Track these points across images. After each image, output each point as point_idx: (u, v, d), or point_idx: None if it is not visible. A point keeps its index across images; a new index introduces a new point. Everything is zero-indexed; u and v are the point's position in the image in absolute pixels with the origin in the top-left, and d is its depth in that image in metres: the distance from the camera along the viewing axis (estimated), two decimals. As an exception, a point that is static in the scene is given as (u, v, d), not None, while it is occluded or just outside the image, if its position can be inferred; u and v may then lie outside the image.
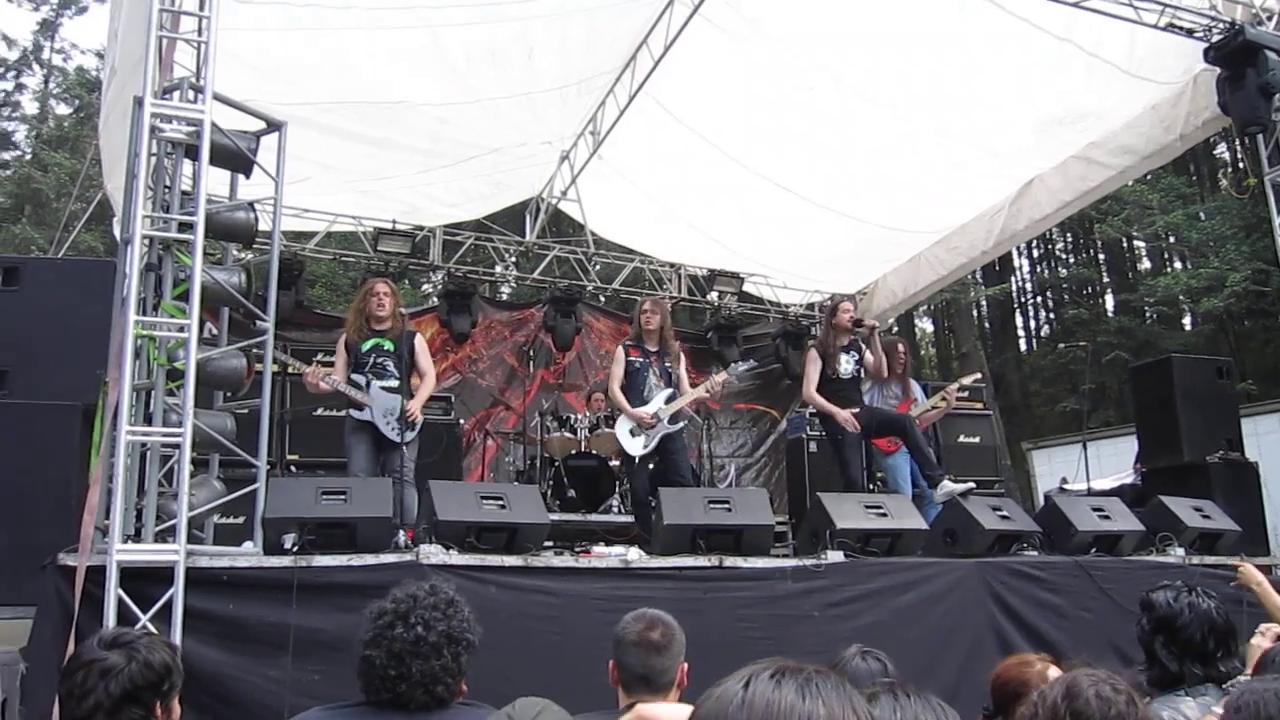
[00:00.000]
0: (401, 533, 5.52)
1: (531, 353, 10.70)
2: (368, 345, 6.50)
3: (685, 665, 2.73)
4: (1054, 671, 2.66)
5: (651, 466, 7.03)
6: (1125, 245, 26.11)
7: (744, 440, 11.91)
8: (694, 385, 7.21)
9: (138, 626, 4.04)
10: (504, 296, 18.10)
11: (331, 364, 6.67)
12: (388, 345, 6.52)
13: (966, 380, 8.63)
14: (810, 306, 12.49)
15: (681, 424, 7.17)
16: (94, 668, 2.30)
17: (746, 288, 11.83)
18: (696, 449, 9.51)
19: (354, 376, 6.43)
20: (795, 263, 11.48)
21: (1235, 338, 22.09)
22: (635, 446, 6.89)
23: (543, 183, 10.60)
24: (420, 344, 6.77)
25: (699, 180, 9.85)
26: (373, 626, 2.55)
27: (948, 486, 6.63)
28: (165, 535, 4.56)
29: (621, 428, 6.97)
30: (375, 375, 6.39)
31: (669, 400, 6.95)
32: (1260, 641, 2.80)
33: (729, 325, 11.77)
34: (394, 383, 6.43)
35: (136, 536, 4.54)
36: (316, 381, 6.38)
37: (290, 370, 6.69)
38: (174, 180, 4.97)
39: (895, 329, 8.77)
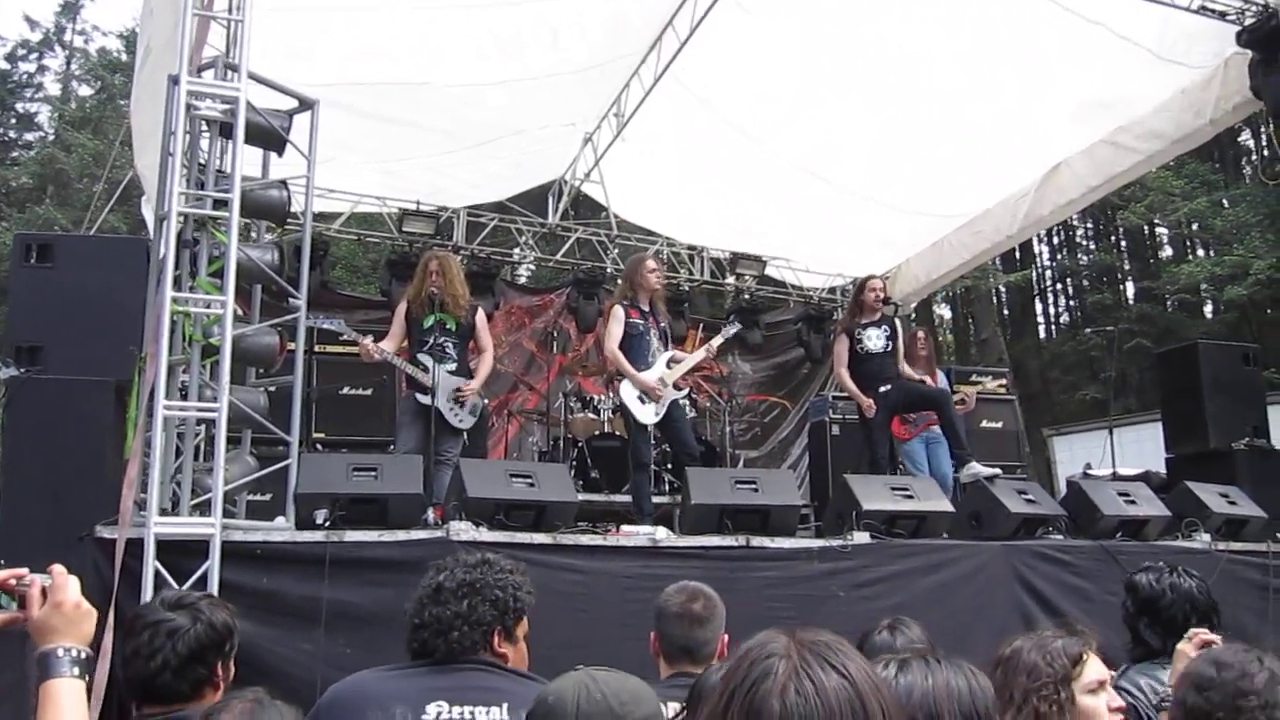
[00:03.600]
0: (431, 510, 5.56)
1: (553, 337, 10.72)
2: (429, 321, 6.48)
3: (726, 637, 2.76)
4: (1096, 662, 2.67)
5: (653, 431, 6.90)
6: (1147, 232, 25.94)
7: (754, 432, 11.91)
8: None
9: (169, 589, 4.10)
10: (522, 279, 18.13)
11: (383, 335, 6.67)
12: (451, 324, 6.51)
13: (991, 384, 8.64)
14: (833, 290, 12.47)
15: (686, 390, 7.08)
16: (160, 628, 2.36)
17: (768, 271, 11.80)
18: (720, 431, 9.52)
19: (420, 357, 6.43)
20: (818, 246, 11.46)
21: (1258, 326, 21.94)
22: (646, 414, 6.66)
23: (566, 164, 10.60)
24: (481, 319, 6.76)
25: (722, 162, 9.83)
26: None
27: (974, 468, 6.64)
28: (200, 509, 4.62)
29: (629, 394, 6.69)
30: (436, 358, 6.34)
31: (669, 364, 6.81)
32: (1186, 648, 2.76)
33: (750, 309, 11.76)
34: (453, 365, 6.47)
35: (173, 510, 4.60)
36: (373, 354, 6.39)
37: (345, 339, 6.67)
38: (209, 159, 5.00)
39: (914, 315, 8.74)
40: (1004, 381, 9.69)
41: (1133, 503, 6.65)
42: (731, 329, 7.71)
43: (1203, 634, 2.86)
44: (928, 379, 8.03)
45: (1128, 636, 3.36)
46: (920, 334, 8.47)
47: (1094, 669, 2.32)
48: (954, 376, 9.39)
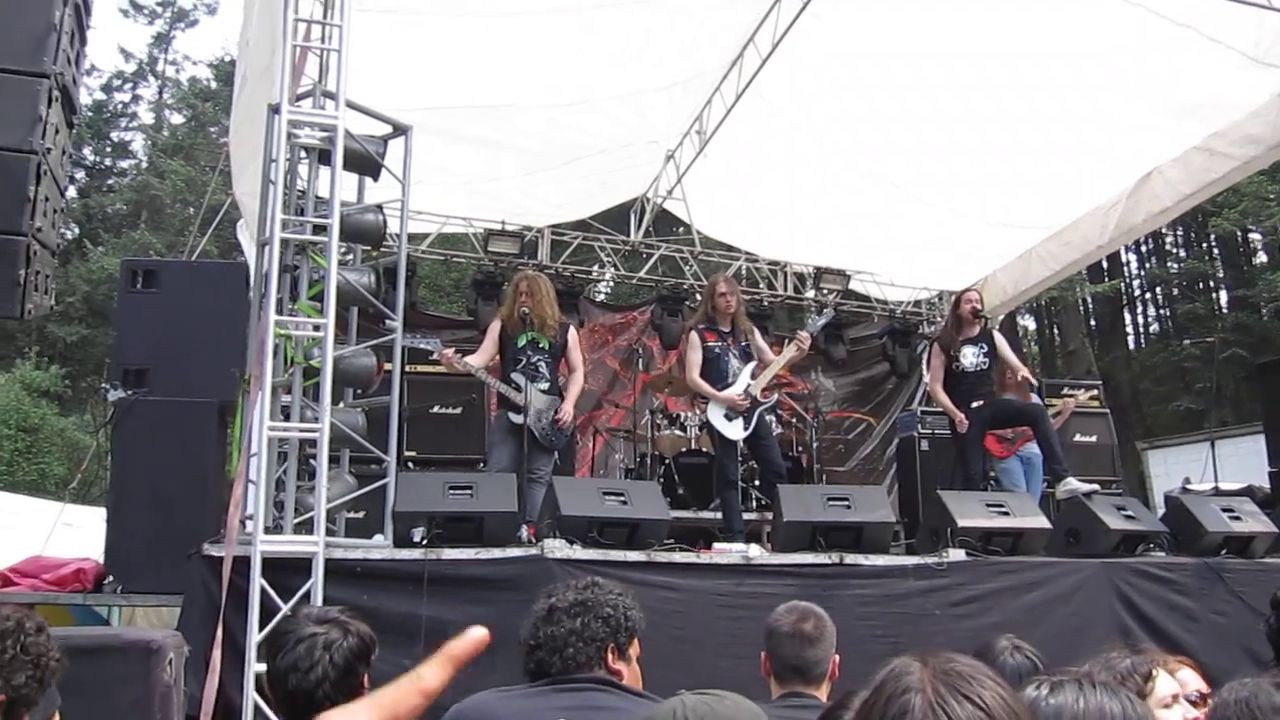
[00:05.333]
0: (525, 528, 5.61)
1: (637, 355, 10.74)
2: (522, 340, 6.55)
3: (838, 657, 2.75)
4: (1189, 674, 2.61)
5: (742, 448, 6.88)
6: (1240, 239, 25.23)
7: (839, 448, 11.77)
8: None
9: (278, 617, 4.20)
10: (602, 297, 18.21)
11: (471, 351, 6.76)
12: (543, 343, 6.58)
13: (1085, 395, 8.45)
14: (918, 304, 12.34)
15: (773, 399, 7.04)
16: (317, 640, 2.45)
17: (852, 285, 11.71)
18: (806, 448, 9.45)
19: (513, 376, 6.50)
20: (902, 259, 11.35)
21: (1359, 334, 21.23)
22: (735, 431, 6.66)
23: (648, 182, 10.65)
24: (572, 338, 6.83)
25: (803, 176, 9.79)
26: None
27: (1071, 484, 6.51)
28: (303, 528, 4.72)
29: (715, 414, 6.70)
30: (529, 376, 6.42)
31: (753, 375, 6.77)
32: None
33: (835, 324, 11.67)
34: (546, 384, 6.53)
35: (276, 529, 4.70)
36: (455, 364, 6.50)
37: (435, 356, 6.78)
38: (309, 185, 5.13)
39: (999, 327, 8.65)
40: (1096, 394, 9.47)
41: (1237, 518, 6.46)
42: (821, 320, 7.54)
43: None
44: (1023, 399, 7.92)
45: (1269, 654, 3.25)
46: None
47: (1165, 685, 2.28)
48: (1044, 390, 9.23)
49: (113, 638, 3.82)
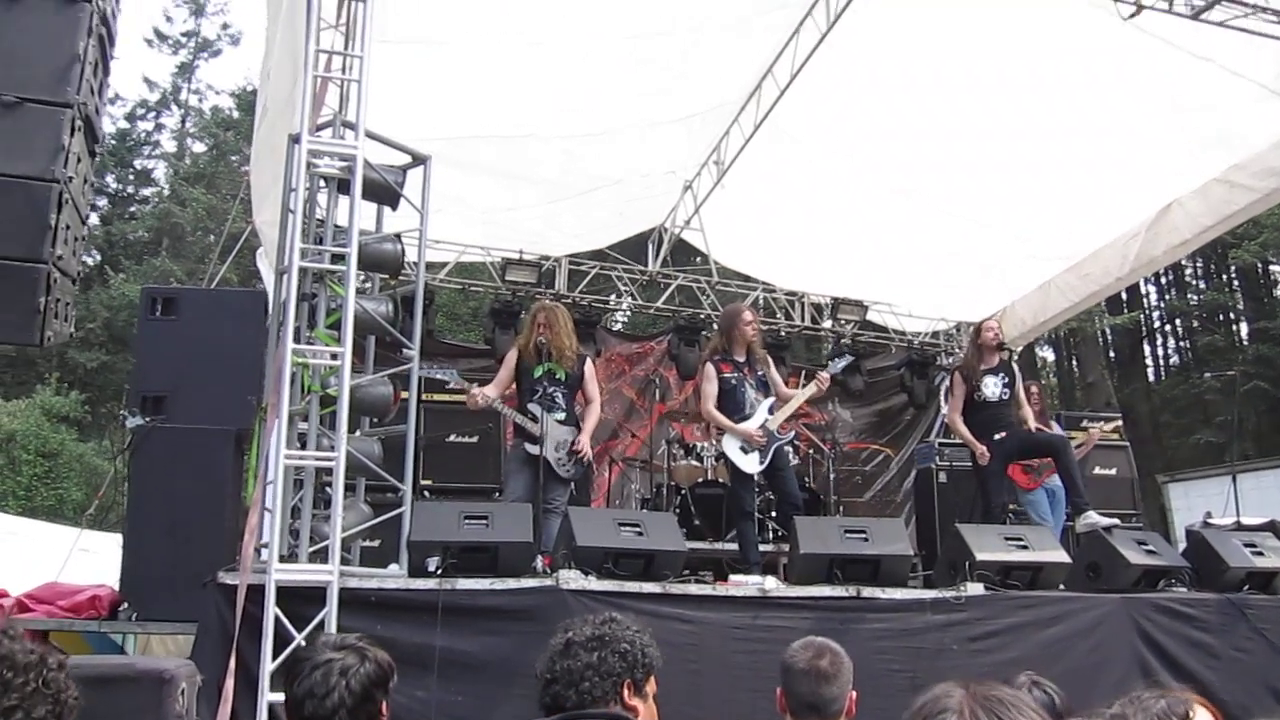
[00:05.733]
0: (539, 558, 5.59)
1: (654, 385, 10.72)
2: (539, 371, 6.54)
3: (855, 694, 2.72)
4: (1202, 713, 2.56)
5: (758, 479, 6.84)
6: (1261, 270, 25.10)
7: (855, 480, 11.70)
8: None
9: (292, 646, 4.19)
10: (618, 327, 18.23)
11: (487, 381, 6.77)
12: (560, 374, 6.57)
13: (1108, 427, 8.37)
14: (935, 335, 12.30)
15: (791, 435, 7.01)
16: (333, 666, 2.44)
17: (870, 316, 11.68)
18: (823, 478, 9.41)
19: (529, 407, 6.50)
20: (921, 290, 11.32)
21: (1380, 367, 21.03)
22: (751, 464, 6.61)
23: (666, 212, 10.68)
24: (589, 370, 6.82)
25: (821, 207, 9.81)
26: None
27: (1092, 517, 6.47)
28: (317, 556, 4.72)
29: (731, 446, 6.66)
30: (545, 407, 6.41)
31: (771, 410, 6.76)
32: None
33: (853, 354, 11.63)
34: (562, 414, 6.52)
35: (291, 557, 4.70)
36: (478, 401, 6.48)
37: (452, 386, 6.80)
38: (328, 214, 5.16)
39: (1017, 359, 8.57)
40: (1117, 426, 9.40)
41: (1260, 554, 6.38)
42: (841, 362, 7.51)
43: None
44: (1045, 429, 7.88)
45: None
46: (1034, 387, 8.30)
47: None
48: (1064, 422, 9.18)
49: (125, 667, 3.81)
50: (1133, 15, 6.37)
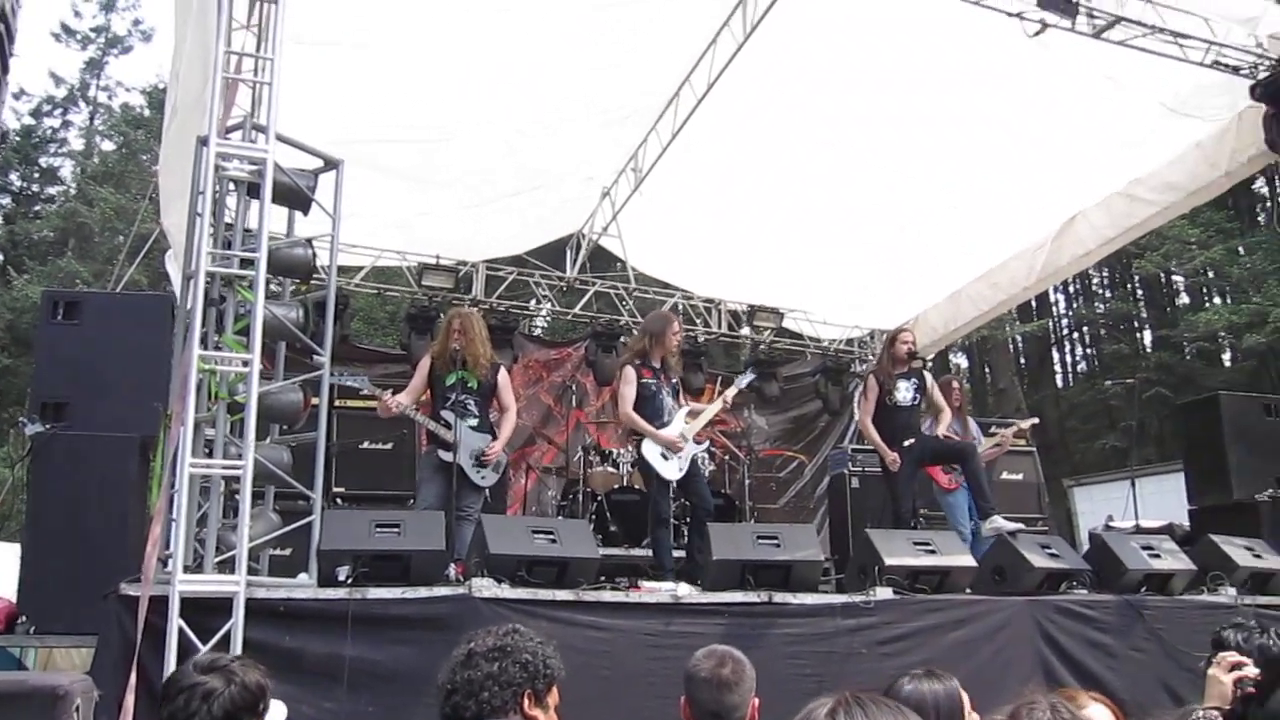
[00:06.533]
0: (452, 566, 5.56)
1: (571, 391, 10.71)
2: (452, 379, 6.50)
3: (757, 701, 2.75)
4: (1098, 709, 2.66)
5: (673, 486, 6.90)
6: (1163, 280, 25.90)
7: (770, 486, 11.79)
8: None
9: (201, 653, 4.10)
10: (538, 332, 18.17)
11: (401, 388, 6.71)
12: (473, 382, 6.53)
13: (1025, 425, 8.50)
14: (850, 342, 12.47)
15: (705, 444, 7.11)
16: (196, 691, 2.39)
17: (786, 323, 11.81)
18: (738, 485, 9.50)
19: (443, 414, 6.45)
20: (835, 298, 11.50)
21: (1278, 374, 21.83)
22: (671, 471, 6.66)
23: (584, 218, 10.69)
24: (503, 378, 6.78)
25: (740, 215, 9.91)
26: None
27: (998, 522, 6.61)
28: (224, 566, 4.63)
29: (652, 452, 6.67)
30: (459, 414, 6.38)
31: (688, 418, 6.82)
32: (1217, 673, 2.69)
33: (768, 361, 11.76)
34: (475, 421, 6.48)
35: (197, 567, 4.61)
36: (391, 408, 6.43)
37: (365, 393, 6.74)
38: (237, 218, 5.08)
39: (931, 365, 8.68)
40: (1036, 420, 9.54)
41: (1157, 556, 6.59)
42: (745, 378, 7.66)
43: (1231, 657, 2.79)
44: (963, 426, 8.05)
45: (1187, 690, 3.29)
46: (955, 384, 8.45)
47: None
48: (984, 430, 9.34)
49: (17, 684, 3.70)
50: (1038, 33, 6.53)
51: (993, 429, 8.97)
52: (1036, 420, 9.24)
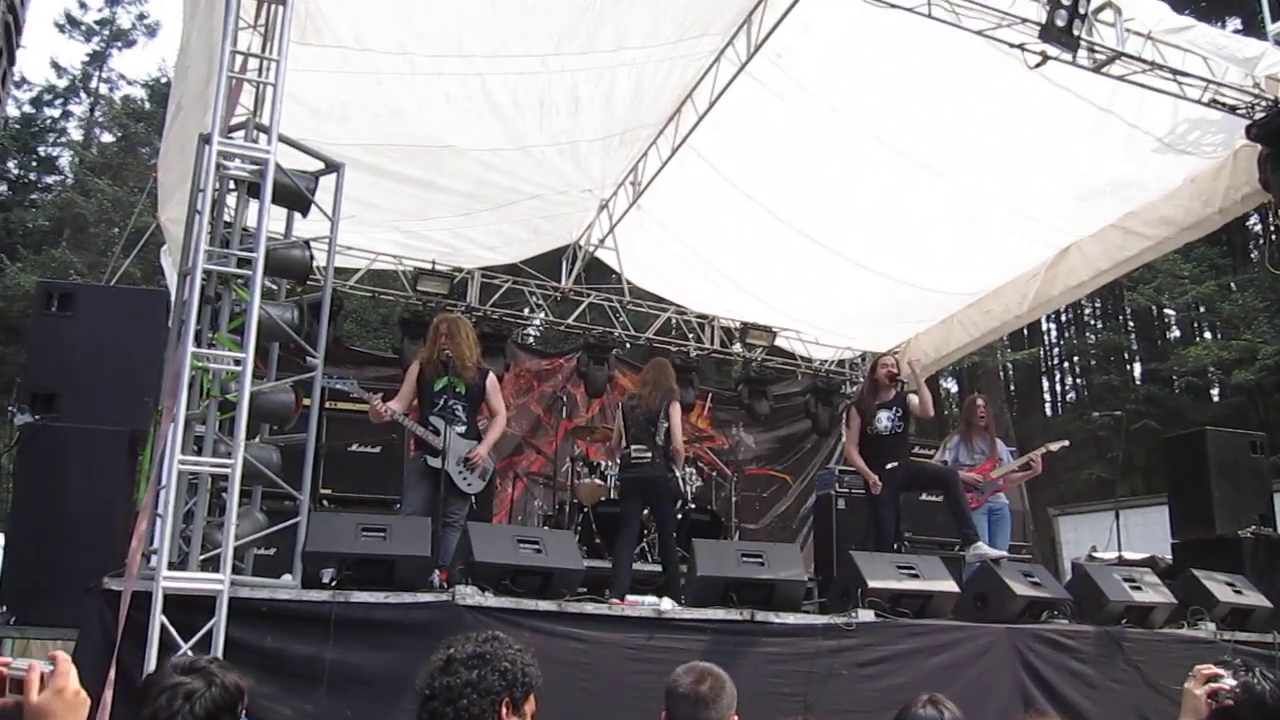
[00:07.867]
0: (436, 573, 5.56)
1: (561, 402, 10.73)
2: (440, 384, 6.51)
3: (736, 718, 2.77)
4: None
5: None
6: (1155, 314, 26.00)
7: (754, 505, 11.77)
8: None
9: (178, 654, 4.10)
10: (530, 341, 18.16)
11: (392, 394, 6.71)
12: (461, 388, 6.53)
13: (1054, 447, 8.44)
14: (841, 363, 12.50)
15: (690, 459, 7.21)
16: (178, 691, 2.39)
17: (778, 342, 11.85)
18: (725, 501, 9.51)
19: (431, 419, 6.45)
20: (828, 319, 11.52)
21: (1265, 411, 21.91)
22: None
23: (581, 230, 10.70)
24: (492, 383, 6.79)
25: (736, 233, 9.93)
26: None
27: (981, 549, 6.64)
28: (208, 564, 4.63)
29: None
30: (446, 420, 6.37)
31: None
32: (1192, 686, 2.68)
33: (759, 379, 11.78)
34: (463, 428, 6.49)
35: (181, 564, 4.61)
36: (382, 414, 6.41)
37: (354, 396, 6.74)
38: (236, 217, 5.09)
39: (913, 388, 8.67)
40: (1066, 443, 9.33)
41: (1138, 588, 6.62)
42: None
43: (1206, 669, 2.79)
44: (990, 446, 8.08)
45: None
46: (980, 401, 8.42)
47: None
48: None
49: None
50: (1039, 65, 6.58)
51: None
52: (1067, 443, 9.14)
